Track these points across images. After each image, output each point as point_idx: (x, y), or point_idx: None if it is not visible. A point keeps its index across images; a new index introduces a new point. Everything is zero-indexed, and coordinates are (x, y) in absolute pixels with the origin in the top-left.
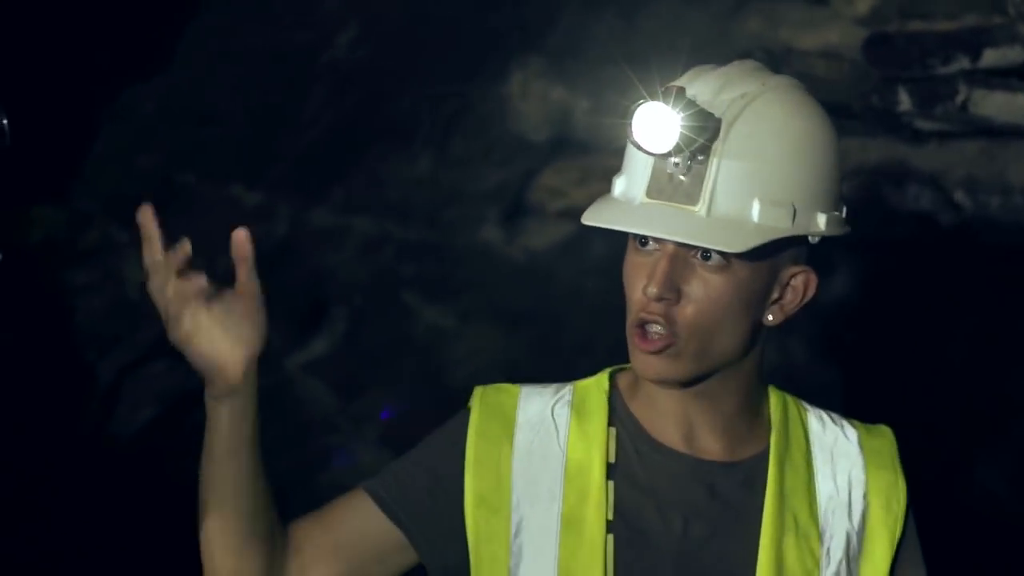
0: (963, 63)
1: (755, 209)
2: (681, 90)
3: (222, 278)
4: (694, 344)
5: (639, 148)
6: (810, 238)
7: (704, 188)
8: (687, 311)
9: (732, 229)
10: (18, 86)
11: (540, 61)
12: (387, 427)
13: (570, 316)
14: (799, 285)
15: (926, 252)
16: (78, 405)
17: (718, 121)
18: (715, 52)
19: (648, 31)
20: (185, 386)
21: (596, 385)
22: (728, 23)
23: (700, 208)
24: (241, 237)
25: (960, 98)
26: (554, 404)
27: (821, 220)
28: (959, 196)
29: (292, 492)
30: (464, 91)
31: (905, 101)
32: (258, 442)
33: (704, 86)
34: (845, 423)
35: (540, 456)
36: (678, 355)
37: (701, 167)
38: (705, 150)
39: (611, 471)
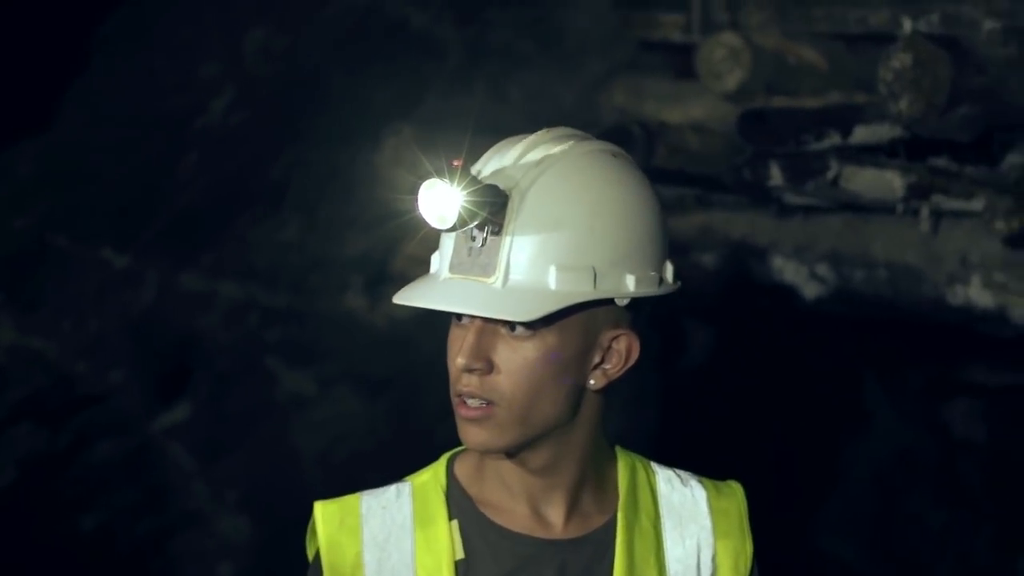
0: (834, 139)
1: (551, 276)
2: (464, 167)
3: (91, 339)
4: (513, 412)
5: (427, 225)
6: (618, 300)
7: (500, 259)
8: (499, 380)
9: (527, 298)
10: None
11: (411, 129)
12: (246, 492)
13: (430, 384)
14: (622, 348)
15: (787, 324)
16: None
17: (503, 194)
18: (583, 122)
19: (516, 101)
20: (47, 448)
21: (433, 480)
22: (594, 95)
23: (495, 280)
24: None
25: (831, 173)
26: (395, 515)
27: (630, 281)
28: (822, 269)
29: (149, 557)
30: (334, 157)
31: (777, 176)
32: None
33: (503, 157)
34: (694, 482)
35: (391, 574)
36: (498, 424)
37: (497, 239)
38: (499, 222)
39: (463, 568)
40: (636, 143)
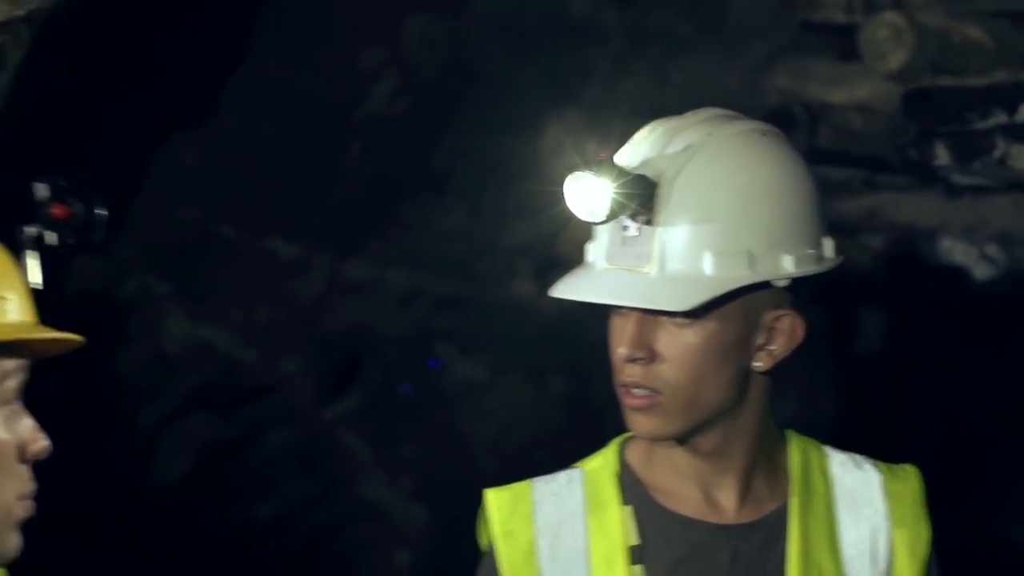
0: (1000, 118)
1: (707, 262)
2: (611, 159)
3: (261, 329)
4: (679, 399)
5: (577, 218)
6: (774, 281)
7: (654, 248)
8: (663, 369)
9: (685, 285)
10: (62, 134)
11: (574, 115)
12: (419, 480)
13: (600, 370)
14: (785, 328)
15: (957, 306)
16: (116, 456)
17: (652, 184)
18: (746, 106)
19: (679, 86)
20: (220, 438)
21: (605, 467)
22: (758, 78)
23: (651, 269)
24: None
25: (998, 152)
26: (567, 501)
27: (787, 262)
28: (992, 250)
29: (325, 545)
30: (499, 144)
31: (943, 155)
32: None
33: (652, 143)
34: (869, 466)
35: (565, 560)
36: (665, 411)
37: (651, 228)
38: (651, 211)
39: (638, 554)
40: (799, 125)
